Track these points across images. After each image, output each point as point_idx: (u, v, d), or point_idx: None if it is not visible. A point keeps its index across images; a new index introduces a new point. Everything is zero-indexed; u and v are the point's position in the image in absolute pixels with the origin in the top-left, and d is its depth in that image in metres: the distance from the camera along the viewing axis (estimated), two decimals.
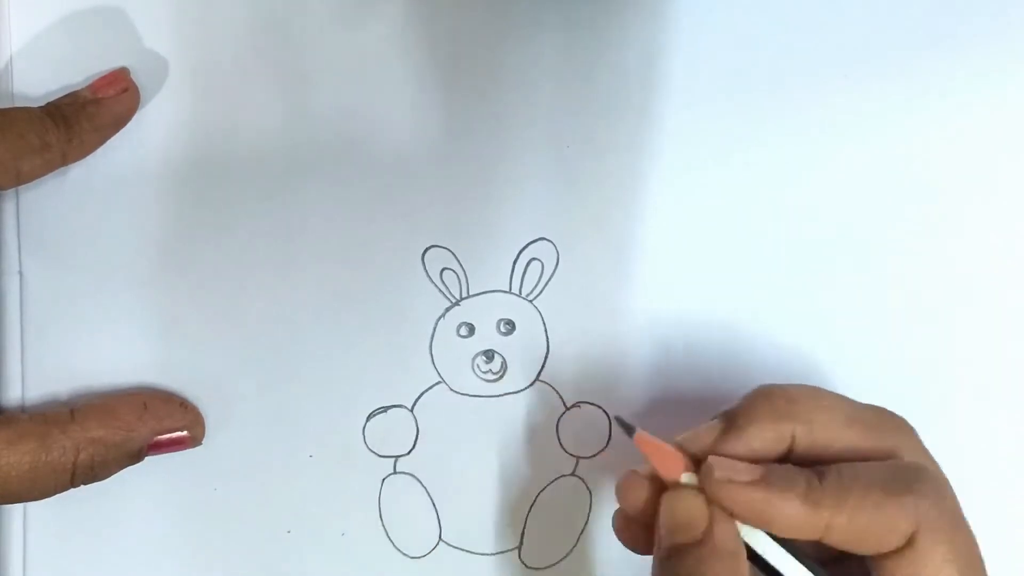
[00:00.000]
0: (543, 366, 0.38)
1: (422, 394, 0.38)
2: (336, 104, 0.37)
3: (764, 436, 0.30)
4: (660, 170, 0.38)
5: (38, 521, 0.38)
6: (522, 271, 0.38)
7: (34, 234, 0.37)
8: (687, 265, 0.38)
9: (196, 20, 0.37)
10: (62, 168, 0.36)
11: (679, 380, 0.38)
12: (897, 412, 0.32)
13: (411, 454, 0.38)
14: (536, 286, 0.38)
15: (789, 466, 0.30)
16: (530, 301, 0.38)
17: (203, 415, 0.37)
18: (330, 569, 0.38)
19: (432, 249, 0.38)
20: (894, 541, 0.28)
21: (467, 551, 0.38)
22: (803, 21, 0.38)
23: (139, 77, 0.37)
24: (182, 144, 0.37)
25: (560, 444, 0.38)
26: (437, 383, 0.38)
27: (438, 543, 0.38)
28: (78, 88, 0.36)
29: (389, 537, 0.38)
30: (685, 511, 0.30)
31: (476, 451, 0.38)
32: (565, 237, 0.38)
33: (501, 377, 0.38)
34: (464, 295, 0.38)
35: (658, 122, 0.38)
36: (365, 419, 0.38)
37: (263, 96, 0.37)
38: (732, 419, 0.31)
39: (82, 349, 0.37)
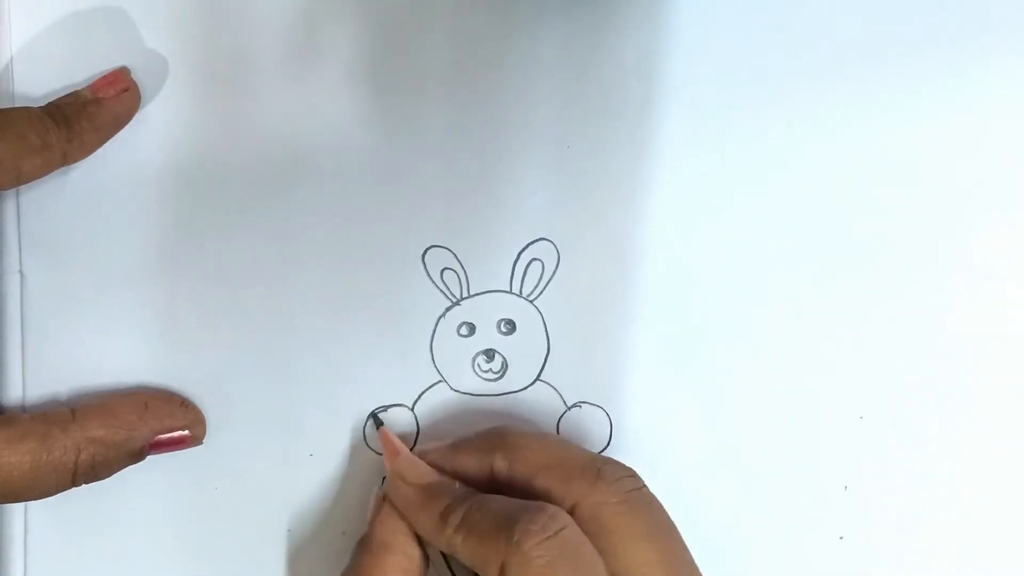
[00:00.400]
0: (544, 366, 0.38)
1: (423, 393, 0.38)
2: (336, 104, 0.37)
3: (471, 462, 0.35)
4: (660, 170, 0.38)
5: (39, 520, 0.38)
6: (523, 271, 0.38)
7: (34, 234, 0.37)
8: (688, 265, 0.38)
9: (196, 20, 0.37)
10: (62, 168, 0.36)
11: (679, 380, 0.38)
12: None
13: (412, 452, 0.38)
14: (537, 286, 0.38)
15: (450, 481, 0.34)
16: (531, 301, 0.38)
17: (203, 414, 0.37)
18: (331, 568, 0.38)
19: (432, 249, 0.38)
20: (490, 571, 0.31)
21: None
22: (802, 19, 0.38)
23: (139, 77, 0.37)
24: (182, 144, 0.37)
25: None
26: (438, 382, 0.38)
27: None
28: (78, 88, 0.36)
29: None
30: (377, 495, 0.36)
31: None
32: (565, 237, 0.38)
33: (502, 376, 0.38)
34: (465, 295, 0.38)
35: (658, 121, 0.38)
36: (366, 418, 0.38)
37: (263, 96, 0.37)
38: (455, 443, 0.36)
39: (82, 349, 0.37)
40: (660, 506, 0.33)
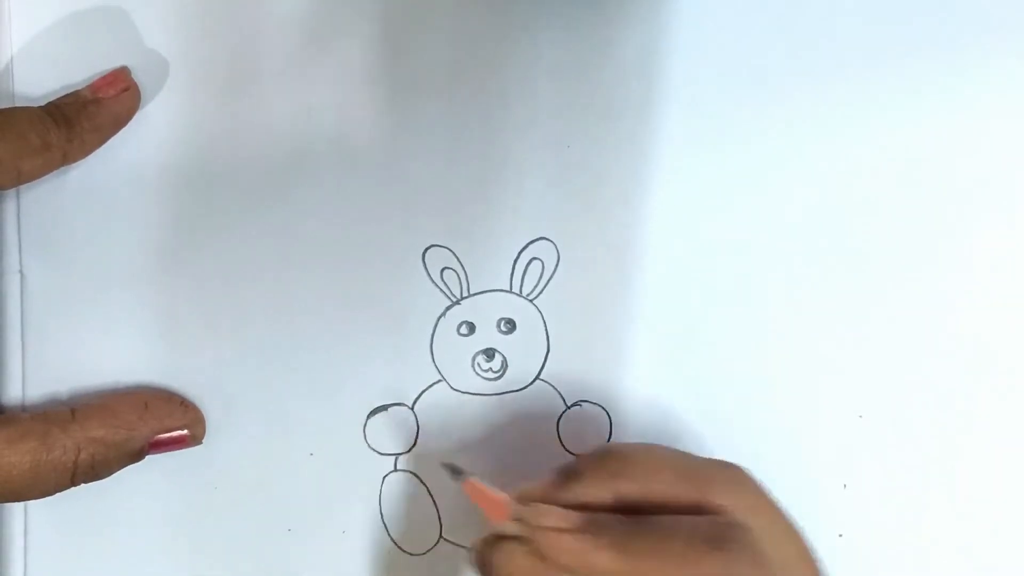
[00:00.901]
0: (544, 365, 0.38)
1: (423, 392, 0.38)
2: (337, 104, 0.37)
3: (594, 492, 0.31)
4: (660, 169, 0.38)
5: (39, 520, 0.38)
6: (522, 270, 0.38)
7: (35, 234, 0.37)
8: (687, 264, 0.38)
9: (196, 20, 0.37)
10: (63, 168, 0.36)
11: (679, 379, 0.38)
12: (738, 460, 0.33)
13: (412, 452, 0.38)
14: (536, 285, 0.38)
15: (609, 515, 0.30)
16: (531, 300, 0.38)
17: (203, 414, 0.37)
18: (331, 567, 0.38)
19: (432, 248, 0.38)
20: None
21: (468, 548, 0.38)
22: (803, 18, 0.38)
23: (139, 77, 0.37)
24: (183, 144, 0.37)
25: (561, 443, 0.38)
26: (438, 381, 0.38)
27: (439, 540, 0.38)
28: (79, 88, 0.36)
29: (390, 534, 0.38)
30: (509, 560, 0.31)
31: (477, 449, 0.38)
32: (565, 236, 0.38)
33: (502, 376, 0.38)
34: (465, 294, 0.38)
35: (658, 121, 0.38)
36: (365, 417, 0.38)
37: (264, 96, 0.37)
38: (566, 474, 0.32)
39: (82, 349, 0.37)
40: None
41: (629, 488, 0.31)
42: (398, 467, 0.38)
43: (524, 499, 0.32)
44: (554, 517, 0.30)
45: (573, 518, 0.30)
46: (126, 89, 0.36)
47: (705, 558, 0.28)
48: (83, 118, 0.35)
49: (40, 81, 0.37)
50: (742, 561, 0.28)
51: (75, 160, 0.36)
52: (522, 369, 0.38)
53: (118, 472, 0.36)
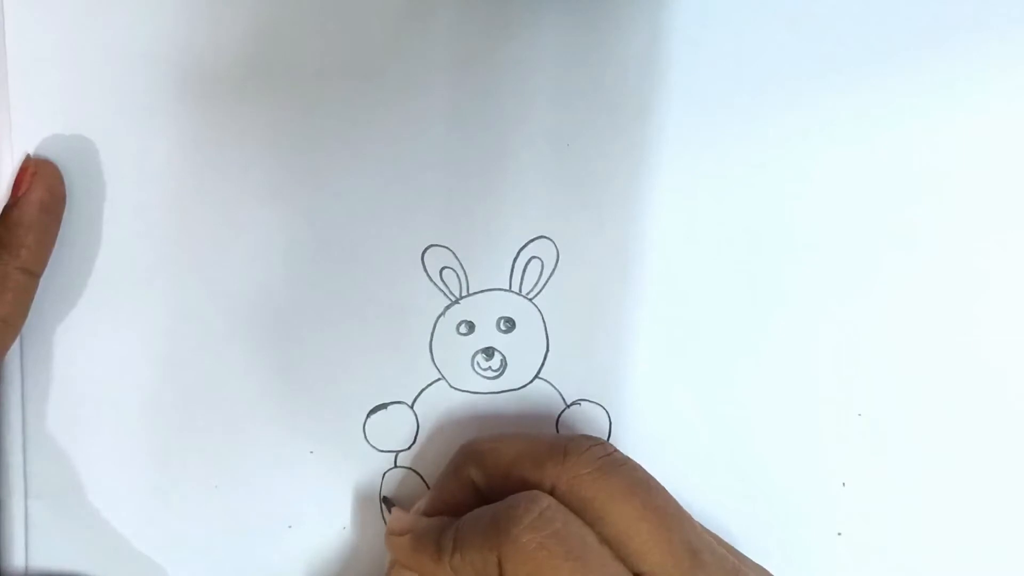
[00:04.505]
0: (543, 364, 0.38)
1: (422, 391, 0.38)
2: (336, 104, 0.37)
3: (449, 486, 0.35)
4: (661, 168, 0.38)
5: (39, 518, 0.38)
6: (522, 269, 0.38)
7: None
8: (687, 263, 0.38)
9: (197, 20, 0.37)
10: (60, 167, 0.36)
11: (679, 378, 0.38)
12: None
13: (411, 449, 0.38)
14: (536, 284, 0.38)
15: (445, 518, 0.34)
16: (530, 299, 0.38)
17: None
18: (332, 564, 0.38)
19: (432, 248, 0.37)
20: (492, 574, 0.31)
21: None
22: (805, 18, 0.37)
23: (141, 76, 0.36)
24: (183, 144, 0.37)
25: None
26: (437, 380, 0.38)
27: None
28: (77, 87, 0.36)
29: None
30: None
31: None
32: (565, 235, 0.38)
33: (501, 374, 0.38)
34: (464, 293, 0.38)
35: (658, 120, 0.37)
36: (366, 415, 0.38)
37: (263, 96, 0.37)
38: (435, 481, 0.37)
39: (82, 349, 0.38)
40: (635, 465, 0.33)
41: (475, 475, 0.35)
42: (398, 464, 0.38)
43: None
44: (397, 526, 0.35)
45: (408, 524, 0.35)
46: (34, 173, 0.35)
47: (482, 543, 0.31)
48: (11, 226, 0.35)
49: (40, 81, 0.36)
50: (515, 534, 0.31)
51: (41, 266, 0.36)
52: (521, 368, 0.38)
53: (119, 472, 0.36)
